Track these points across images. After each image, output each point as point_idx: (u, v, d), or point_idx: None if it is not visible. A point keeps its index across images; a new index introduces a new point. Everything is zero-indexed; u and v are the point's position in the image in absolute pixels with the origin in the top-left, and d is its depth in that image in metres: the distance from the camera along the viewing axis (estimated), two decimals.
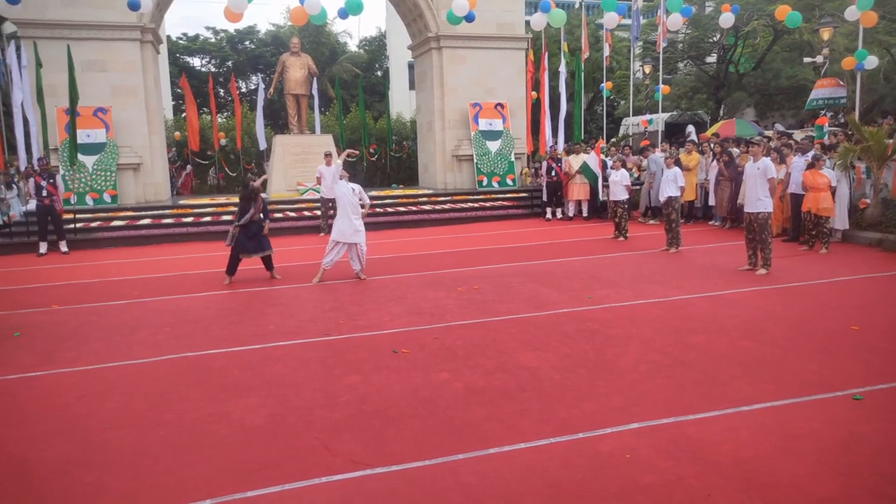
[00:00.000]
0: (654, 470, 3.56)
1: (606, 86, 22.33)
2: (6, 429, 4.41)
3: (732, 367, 5.13)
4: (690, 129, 21.50)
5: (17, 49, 15.50)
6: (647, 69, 22.64)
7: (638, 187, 15.36)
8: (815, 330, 6.06)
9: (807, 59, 20.65)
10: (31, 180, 13.02)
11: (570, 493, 3.37)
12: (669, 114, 26.56)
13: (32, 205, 13.00)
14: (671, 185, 10.52)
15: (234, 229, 9.12)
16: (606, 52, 20.61)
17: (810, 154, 10.84)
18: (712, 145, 13.88)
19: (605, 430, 4.06)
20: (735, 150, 13.21)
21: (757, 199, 8.61)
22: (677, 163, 11.11)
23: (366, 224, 9.15)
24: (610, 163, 14.14)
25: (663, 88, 20.19)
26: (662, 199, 10.76)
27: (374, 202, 16.44)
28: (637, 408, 4.38)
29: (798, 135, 16.94)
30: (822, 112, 17.52)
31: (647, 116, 22.19)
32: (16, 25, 15.47)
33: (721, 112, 27.82)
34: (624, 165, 12.81)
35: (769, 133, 18.27)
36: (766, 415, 4.23)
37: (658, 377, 4.96)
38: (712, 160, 13.29)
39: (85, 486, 3.59)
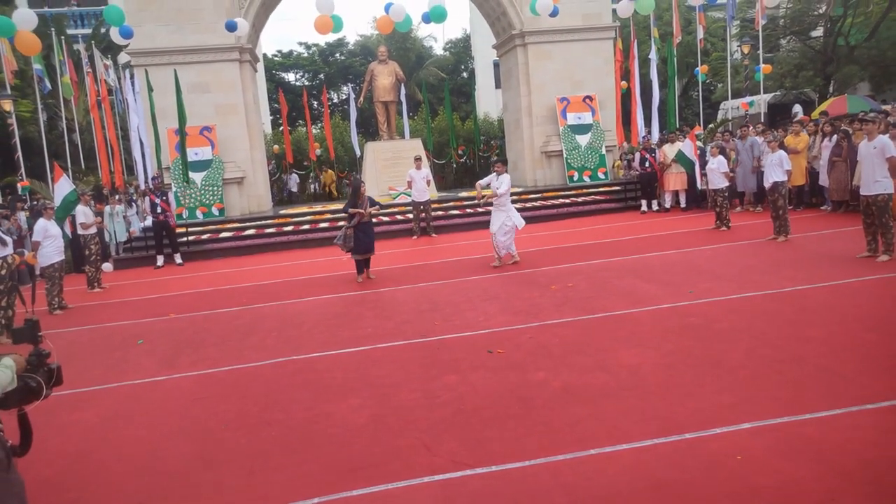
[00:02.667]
0: (768, 471, 3.37)
1: (702, 69, 21.39)
2: (134, 430, 4.77)
3: (856, 361, 4.77)
4: (797, 108, 20.18)
5: (131, 77, 16.82)
6: (746, 49, 21.45)
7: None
8: None
9: None
10: (147, 198, 14.05)
11: (677, 493, 3.25)
12: (772, 94, 25.04)
13: (149, 221, 14.01)
14: (776, 169, 9.89)
15: (347, 230, 9.43)
16: (700, 34, 19.74)
17: None
18: (822, 124, 12.95)
19: (714, 430, 3.88)
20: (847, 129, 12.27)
21: (874, 180, 8.00)
22: (781, 146, 10.45)
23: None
24: (708, 150, 13.48)
25: (764, 68, 19.09)
26: (767, 184, 10.15)
27: (465, 203, 16.57)
28: (748, 406, 4.16)
29: None
30: None
31: (748, 98, 21.07)
32: (129, 55, 16.78)
33: (830, 89, 25.92)
34: (722, 152, 12.17)
35: (887, 108, 16.82)
36: None
37: (771, 373, 4.69)
38: (822, 140, 12.41)
39: (205, 485, 3.83)
